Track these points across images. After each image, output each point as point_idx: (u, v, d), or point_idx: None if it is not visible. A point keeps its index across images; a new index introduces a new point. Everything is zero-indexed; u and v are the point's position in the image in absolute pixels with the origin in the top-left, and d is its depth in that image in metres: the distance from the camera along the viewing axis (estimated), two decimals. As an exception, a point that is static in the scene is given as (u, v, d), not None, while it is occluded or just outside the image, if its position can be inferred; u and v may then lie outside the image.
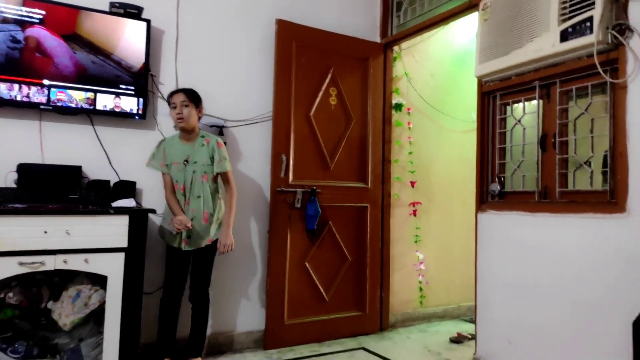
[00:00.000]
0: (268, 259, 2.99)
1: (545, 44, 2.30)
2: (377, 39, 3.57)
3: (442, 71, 3.84)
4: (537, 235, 2.38)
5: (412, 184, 3.62)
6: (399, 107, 3.56)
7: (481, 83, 2.77)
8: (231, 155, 2.96)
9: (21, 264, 1.95)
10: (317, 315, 3.12)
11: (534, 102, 2.51)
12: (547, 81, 2.42)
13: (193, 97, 2.50)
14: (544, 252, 2.33)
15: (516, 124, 2.63)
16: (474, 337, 3.07)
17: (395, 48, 3.61)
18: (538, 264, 2.35)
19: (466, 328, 3.48)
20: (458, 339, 3.19)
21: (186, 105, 2.44)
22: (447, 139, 3.85)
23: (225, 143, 2.91)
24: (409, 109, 3.62)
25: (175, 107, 2.44)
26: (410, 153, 3.63)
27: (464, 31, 3.90)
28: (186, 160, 2.46)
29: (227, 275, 2.89)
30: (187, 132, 2.49)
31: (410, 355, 2.91)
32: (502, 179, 2.70)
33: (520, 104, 2.61)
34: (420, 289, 3.61)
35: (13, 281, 2.01)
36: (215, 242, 2.52)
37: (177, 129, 2.53)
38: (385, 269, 3.44)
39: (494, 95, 2.75)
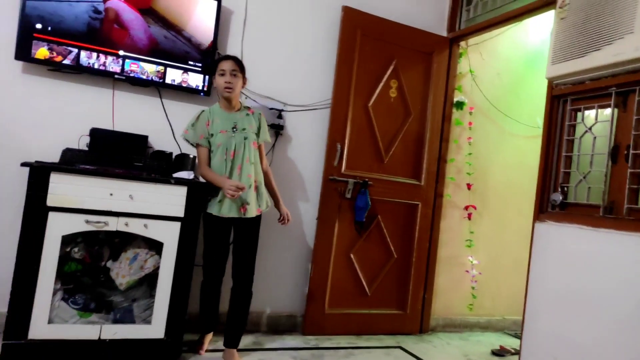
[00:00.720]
0: (314, 246, 3.00)
1: (627, 47, 2.15)
2: (444, 33, 3.49)
3: (509, 71, 3.70)
4: (597, 251, 2.24)
5: (469, 186, 3.52)
6: (460, 105, 3.46)
7: (551, 85, 2.64)
8: (287, 140, 3.00)
9: (87, 222, 2.07)
10: (357, 308, 3.11)
11: (608, 110, 2.36)
12: (625, 88, 2.27)
13: (242, 67, 2.41)
14: (603, 269, 2.19)
15: (586, 131, 2.48)
16: (517, 352, 2.96)
17: (462, 43, 3.50)
18: (595, 281, 2.22)
19: (510, 342, 3.36)
20: (500, 352, 3.08)
21: (235, 75, 2.35)
22: (508, 143, 3.71)
23: (283, 127, 2.97)
24: (471, 108, 3.51)
25: (223, 75, 2.33)
26: (470, 154, 3.52)
27: (536, 30, 3.73)
28: (234, 128, 2.36)
29: (272, 256, 2.93)
30: (229, 101, 2.40)
31: (448, 360, 2.85)
32: (565, 189, 2.56)
33: (593, 111, 2.46)
34: (474, 296, 3.52)
35: (79, 237, 2.12)
36: (260, 216, 2.44)
37: (222, 94, 2.37)
38: (431, 270, 3.37)
39: (565, 99, 2.61)
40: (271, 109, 2.96)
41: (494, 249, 3.66)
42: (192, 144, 2.39)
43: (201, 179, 2.39)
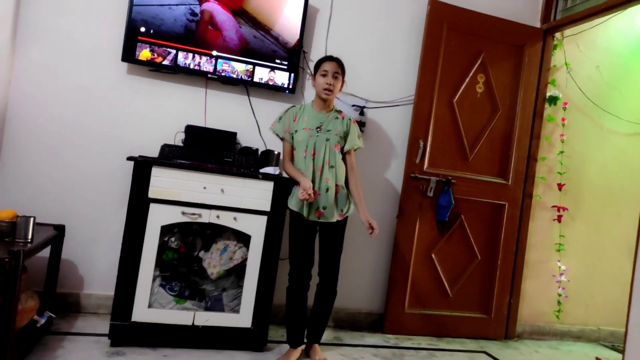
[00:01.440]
0: (394, 245, 2.96)
1: None
2: (537, 24, 3.28)
3: (610, 63, 3.40)
4: None
5: (560, 186, 3.29)
6: (553, 100, 3.24)
7: (666, 78, 2.39)
8: (367, 136, 2.98)
9: (183, 213, 2.19)
10: (438, 310, 3.03)
11: None
12: None
13: (344, 70, 2.36)
14: None
15: None
16: (616, 365, 2.74)
17: (557, 35, 3.27)
18: None
19: (607, 355, 3.11)
20: (596, 364, 2.86)
21: (336, 77, 2.31)
22: (607, 141, 3.42)
23: (364, 123, 2.95)
24: (565, 104, 3.28)
25: (325, 75, 2.29)
26: (562, 152, 3.29)
27: (644, 18, 3.41)
28: (319, 128, 2.32)
29: (352, 254, 2.93)
30: (324, 102, 2.36)
31: (537, 369, 2.69)
32: (681, 191, 2.31)
33: None
34: (559, 303, 3.29)
35: (175, 227, 2.26)
36: (346, 219, 2.38)
37: (321, 95, 2.33)
38: (518, 274, 3.20)
39: (682, 93, 2.35)
40: (353, 105, 2.96)
41: (589, 255, 3.40)
42: (279, 137, 2.39)
43: (284, 174, 2.43)
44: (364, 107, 2.98)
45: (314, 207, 2.25)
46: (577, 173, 3.36)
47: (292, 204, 2.28)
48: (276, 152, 2.66)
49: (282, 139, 2.39)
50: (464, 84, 3.07)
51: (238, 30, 2.67)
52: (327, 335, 2.68)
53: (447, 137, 3.05)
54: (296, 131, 2.33)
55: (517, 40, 3.16)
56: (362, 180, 2.90)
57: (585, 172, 3.38)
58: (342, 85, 2.40)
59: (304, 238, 2.28)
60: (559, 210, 3.29)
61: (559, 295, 3.28)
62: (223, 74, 2.65)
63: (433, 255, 3.02)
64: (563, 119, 3.29)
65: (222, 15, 2.64)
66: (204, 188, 2.22)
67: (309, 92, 2.88)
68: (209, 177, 2.23)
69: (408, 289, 2.96)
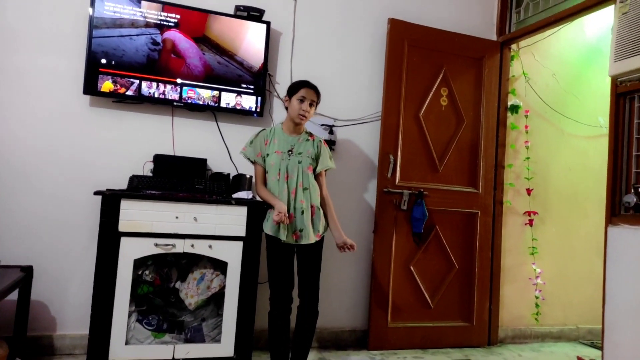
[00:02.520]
0: (372, 260, 2.97)
1: (702, 37, 2.03)
2: (493, 37, 3.41)
3: (565, 71, 3.55)
4: (684, 253, 2.09)
5: (529, 191, 3.38)
6: (515, 109, 3.35)
7: (616, 83, 2.51)
8: (338, 154, 3.01)
9: (156, 245, 2.14)
10: (421, 322, 3.04)
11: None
12: (702, 80, 2.13)
13: (319, 98, 2.40)
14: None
15: (659, 127, 2.34)
16: (596, 363, 2.79)
17: (513, 46, 3.41)
18: (685, 286, 2.07)
19: (586, 353, 3.17)
20: (577, 363, 2.91)
21: (312, 105, 2.34)
22: (569, 145, 3.55)
23: (334, 142, 2.98)
24: (526, 111, 3.39)
25: (302, 101, 2.30)
26: (527, 158, 3.40)
27: (592, 27, 3.59)
28: (290, 151, 2.32)
29: (331, 272, 2.92)
30: (295, 126, 2.38)
31: (521, 373, 2.71)
32: (639, 190, 2.41)
33: (665, 106, 2.32)
34: (537, 305, 3.35)
35: (149, 260, 2.21)
36: (323, 239, 2.39)
37: (294, 120, 2.34)
38: (496, 280, 3.25)
39: (632, 96, 2.47)
40: (322, 124, 2.98)
41: (561, 256, 3.49)
42: (250, 161, 2.38)
43: (258, 198, 2.42)
44: (333, 125, 3.01)
45: (290, 230, 2.24)
46: (544, 177, 3.47)
47: (268, 228, 2.25)
48: (248, 176, 2.66)
49: (253, 162, 2.37)
50: (429, 98, 3.15)
51: (202, 57, 2.68)
52: (312, 356, 2.65)
53: (417, 150, 3.10)
54: (268, 155, 2.33)
55: (476, 53, 3.27)
56: (336, 198, 2.92)
57: (551, 176, 3.50)
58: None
59: (282, 261, 2.25)
60: (529, 215, 3.37)
61: (537, 297, 3.35)
62: (189, 101, 2.64)
63: (412, 268, 3.04)
64: (526, 126, 3.40)
65: (185, 43, 2.65)
66: (177, 218, 2.18)
67: (277, 115, 2.90)
68: (181, 206, 2.20)
69: (389, 303, 2.97)
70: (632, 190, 2.43)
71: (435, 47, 3.17)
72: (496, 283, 3.25)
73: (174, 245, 2.17)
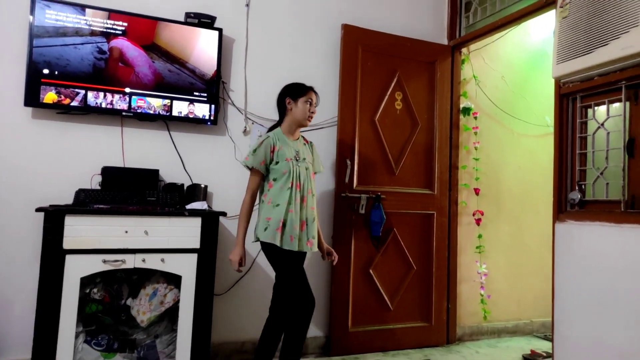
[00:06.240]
0: (332, 265, 2.97)
1: (634, 40, 2.13)
2: (445, 41, 3.49)
3: (513, 73, 3.68)
4: (623, 248, 2.19)
5: (477, 191, 3.47)
6: (467, 111, 3.44)
7: (559, 85, 2.61)
8: (297, 160, 3.00)
9: (105, 261, 2.07)
10: (382, 324, 3.06)
11: (619, 104, 2.33)
12: (636, 81, 2.24)
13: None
14: (631, 266, 2.14)
15: (599, 127, 2.44)
16: (549, 355, 2.89)
17: (464, 50, 3.50)
18: (625, 279, 2.16)
19: (540, 345, 3.28)
20: (531, 357, 3.00)
21: (315, 108, 2.37)
22: (518, 144, 3.67)
23: (291, 148, 2.97)
24: (475, 113, 3.48)
25: (310, 104, 2.32)
26: (477, 159, 3.49)
27: (538, 30, 3.73)
28: (296, 157, 2.27)
29: (291, 279, 2.91)
30: (297, 129, 2.36)
31: (479, 370, 2.78)
32: (583, 187, 2.52)
33: (604, 107, 2.43)
34: (482, 302, 3.43)
35: (97, 277, 2.13)
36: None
37: (303, 123, 2.33)
38: (452, 279, 3.32)
39: (574, 97, 2.58)
40: (278, 131, 2.96)
41: (514, 253, 3.60)
42: (248, 168, 2.24)
43: (206, 207, 2.38)
44: (289, 132, 2.99)
45: (304, 240, 2.21)
46: (495, 177, 3.57)
47: (285, 243, 2.14)
48: (203, 186, 2.62)
49: (251, 169, 2.23)
50: (384, 102, 3.18)
51: (151, 65, 2.61)
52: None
53: (373, 154, 3.13)
54: (277, 162, 2.22)
55: (428, 57, 3.33)
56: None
57: (502, 175, 3.61)
58: None
59: (299, 267, 2.25)
60: (474, 215, 3.46)
61: (482, 295, 3.43)
62: (139, 111, 2.57)
63: (371, 271, 3.07)
64: (475, 128, 3.49)
65: (133, 51, 2.58)
66: (126, 232, 2.12)
67: (232, 123, 2.86)
68: (131, 220, 2.13)
69: (350, 308, 2.98)
70: (577, 187, 2.53)
71: (389, 52, 3.22)
72: (453, 282, 3.32)
73: (123, 261, 2.10)
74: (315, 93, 2.38)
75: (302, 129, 2.43)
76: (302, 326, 2.23)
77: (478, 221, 3.46)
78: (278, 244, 2.13)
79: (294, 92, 2.33)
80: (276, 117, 2.94)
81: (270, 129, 2.39)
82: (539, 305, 3.61)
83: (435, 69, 3.35)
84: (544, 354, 3.02)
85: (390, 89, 3.21)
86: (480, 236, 3.46)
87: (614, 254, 2.23)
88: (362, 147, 3.09)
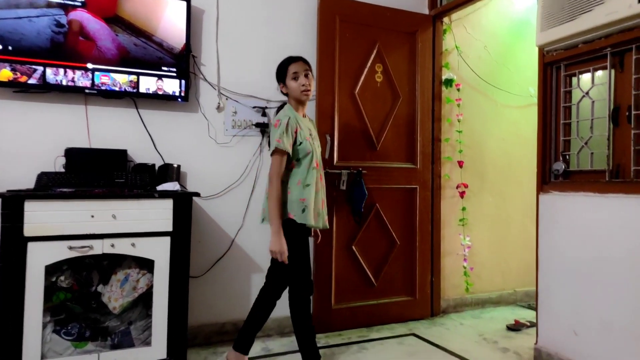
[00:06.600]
0: (313, 243, 2.91)
1: (619, 5, 2.06)
2: (425, 11, 3.36)
3: (496, 43, 3.58)
4: (607, 218, 2.17)
5: (460, 163, 3.41)
6: (449, 82, 3.35)
7: (543, 53, 2.54)
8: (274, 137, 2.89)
9: (70, 248, 1.96)
10: (365, 300, 3.03)
11: (604, 72, 2.26)
12: (621, 47, 2.17)
13: (310, 65, 2.27)
14: (616, 236, 2.12)
15: (583, 96, 2.38)
16: (533, 324, 2.90)
17: (445, 20, 3.38)
18: (609, 249, 2.14)
19: (524, 315, 3.29)
20: (515, 327, 3.01)
21: (307, 75, 2.21)
22: (502, 116, 3.61)
23: (267, 125, 2.85)
24: (457, 85, 3.39)
25: (297, 78, 2.19)
26: (460, 132, 3.41)
27: (521, -2, 3.62)
28: (311, 135, 2.23)
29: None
30: (302, 105, 2.26)
31: (464, 342, 2.77)
32: (567, 157, 2.47)
33: (588, 75, 2.36)
34: (465, 274, 3.41)
35: (64, 265, 2.02)
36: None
37: (301, 98, 2.22)
38: (436, 252, 3.29)
39: (558, 65, 2.50)
40: (254, 107, 2.84)
41: (498, 224, 3.58)
42: (277, 152, 2.10)
43: (179, 188, 2.27)
44: (266, 107, 2.88)
45: (324, 217, 2.25)
46: (479, 149, 3.51)
47: (310, 219, 2.12)
48: (175, 165, 2.51)
49: (282, 153, 2.10)
50: (363, 75, 3.07)
51: (115, 39, 2.45)
52: (256, 347, 2.57)
53: (353, 128, 3.04)
54: (300, 143, 2.15)
55: (409, 27, 3.21)
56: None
57: (486, 147, 3.55)
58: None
59: (307, 247, 2.24)
60: (457, 188, 3.41)
61: (464, 267, 3.41)
62: (103, 88, 2.42)
63: (354, 248, 3.01)
64: (458, 99, 3.40)
65: (94, 24, 2.41)
66: (92, 216, 2.00)
67: (205, 99, 2.73)
68: (97, 204, 2.02)
69: (333, 285, 2.93)
70: (561, 158, 2.48)
71: (368, 23, 3.09)
72: (437, 256, 3.29)
73: (91, 247, 1.99)
74: (302, 61, 2.24)
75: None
76: (308, 302, 2.26)
77: (462, 194, 3.42)
78: (313, 223, 2.14)
79: (279, 75, 2.28)
80: (253, 92, 2.85)
81: (280, 108, 2.31)
82: (522, 275, 3.61)
83: (416, 39, 3.23)
84: (528, 324, 3.03)
85: (370, 61, 3.10)
86: (464, 209, 3.42)
87: (598, 225, 2.21)
88: (342, 122, 2.99)
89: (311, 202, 2.13)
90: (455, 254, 3.39)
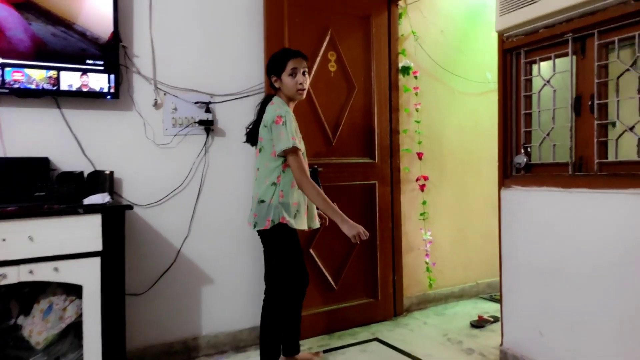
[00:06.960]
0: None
1: (581, -12, 1.95)
2: (380, -7, 3.17)
3: (453, 28, 3.44)
4: (571, 214, 2.08)
5: (420, 155, 3.29)
6: (406, 70, 3.19)
7: (502, 39, 2.42)
8: (219, 135, 2.66)
9: (-23, 278, 1.68)
10: (326, 306, 2.87)
11: (566, 58, 2.16)
12: (583, 32, 2.07)
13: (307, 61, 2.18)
14: (580, 232, 2.04)
15: (545, 85, 2.28)
16: (496, 319, 2.84)
17: (401, 3, 3.20)
18: (573, 246, 2.07)
19: (486, 307, 3.25)
20: (479, 323, 2.94)
21: (304, 74, 2.11)
22: (460, 104, 3.50)
23: (212, 121, 2.61)
24: (415, 72, 3.24)
25: (294, 75, 2.08)
26: (418, 122, 3.27)
27: (478, -19, 3.49)
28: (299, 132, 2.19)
29: (222, 267, 2.62)
30: (293, 102, 2.18)
31: (428, 345, 2.66)
32: (529, 149, 2.37)
33: (550, 62, 2.26)
34: (428, 270, 3.32)
35: (-29, 298, 1.74)
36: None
37: (295, 97, 2.15)
38: (397, 250, 3.16)
39: (518, 52, 2.39)
40: (196, 102, 2.58)
41: (459, 217, 3.50)
42: (288, 152, 2.00)
43: (109, 200, 2.01)
44: (210, 102, 2.62)
45: (313, 215, 2.22)
46: (437, 139, 3.39)
47: (302, 224, 2.10)
48: (107, 172, 2.22)
49: (297, 150, 2.01)
50: (316, 65, 2.86)
51: (28, 29, 2.12)
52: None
53: (307, 123, 2.82)
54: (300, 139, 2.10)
55: (362, 11, 3.01)
56: (220, 184, 2.62)
57: (444, 138, 3.44)
58: None
59: (299, 243, 2.19)
60: (417, 181, 3.29)
61: (427, 263, 3.31)
62: (16, 86, 2.10)
63: (312, 251, 2.84)
64: (415, 88, 3.26)
65: (2, 11, 2.07)
66: (4, 240, 1.72)
67: (139, 95, 2.44)
68: (9, 225, 1.73)
69: (291, 292, 2.75)
70: (522, 151, 2.38)
71: (319, 6, 2.86)
72: (398, 253, 3.16)
73: (3, 276, 1.71)
74: (302, 57, 2.12)
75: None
76: (300, 305, 2.27)
77: (422, 187, 3.30)
78: (306, 228, 2.13)
79: (274, 68, 2.13)
80: (194, 86, 2.58)
81: (265, 101, 2.17)
82: (484, 267, 3.57)
83: (370, 24, 3.04)
84: (491, 319, 2.97)
85: (323, 49, 2.89)
86: (424, 202, 3.31)
87: (562, 221, 2.13)
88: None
89: (303, 205, 2.11)
90: (417, 250, 3.28)
